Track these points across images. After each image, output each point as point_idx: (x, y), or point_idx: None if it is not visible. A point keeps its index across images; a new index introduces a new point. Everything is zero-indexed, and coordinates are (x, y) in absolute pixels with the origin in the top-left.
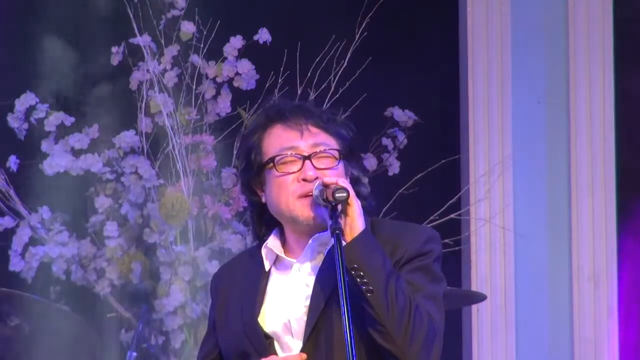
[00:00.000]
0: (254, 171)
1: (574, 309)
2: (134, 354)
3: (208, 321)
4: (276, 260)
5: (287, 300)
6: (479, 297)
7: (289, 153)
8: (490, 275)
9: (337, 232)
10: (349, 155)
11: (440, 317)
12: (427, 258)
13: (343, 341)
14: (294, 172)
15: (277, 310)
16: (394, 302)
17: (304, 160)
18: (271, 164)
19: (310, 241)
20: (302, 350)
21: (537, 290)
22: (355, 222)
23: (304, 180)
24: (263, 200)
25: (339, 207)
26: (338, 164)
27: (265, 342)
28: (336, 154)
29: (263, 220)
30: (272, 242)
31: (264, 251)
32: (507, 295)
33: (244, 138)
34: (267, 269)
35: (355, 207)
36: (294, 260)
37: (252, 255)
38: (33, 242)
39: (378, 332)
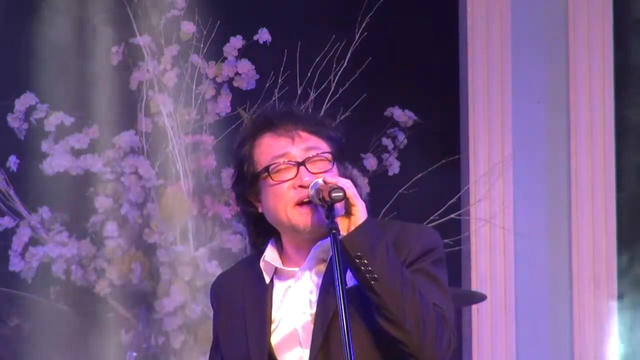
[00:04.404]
0: (247, 182)
1: (574, 309)
2: (134, 354)
3: (213, 331)
4: (276, 271)
5: (292, 309)
6: (479, 297)
7: (282, 161)
8: (490, 275)
9: (334, 231)
10: (341, 156)
11: (447, 307)
12: (430, 257)
13: (355, 346)
14: (289, 180)
15: (284, 321)
16: (400, 289)
17: (299, 167)
18: (265, 174)
19: (312, 249)
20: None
21: (537, 290)
22: (357, 213)
23: (301, 186)
24: (260, 210)
25: (339, 205)
26: (332, 166)
27: None
28: (329, 156)
29: (260, 230)
30: (270, 255)
31: (262, 265)
32: (507, 295)
33: (234, 151)
34: (267, 282)
35: (357, 202)
36: (296, 269)
37: (252, 266)
38: (33, 242)
39: (388, 322)
